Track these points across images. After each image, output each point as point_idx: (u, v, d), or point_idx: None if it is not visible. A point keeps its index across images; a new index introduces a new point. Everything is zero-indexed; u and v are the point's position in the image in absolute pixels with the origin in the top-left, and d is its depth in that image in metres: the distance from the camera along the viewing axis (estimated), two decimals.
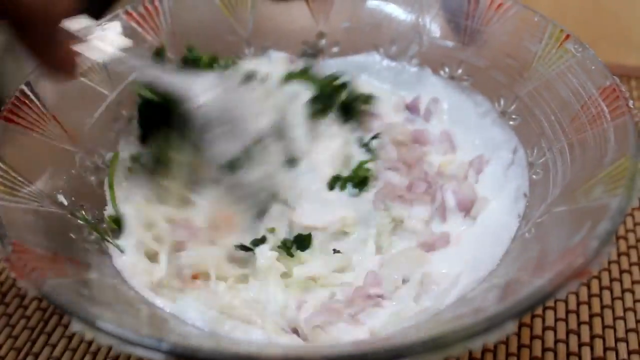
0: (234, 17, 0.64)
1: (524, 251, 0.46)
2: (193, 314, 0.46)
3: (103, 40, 0.51)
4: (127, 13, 0.61)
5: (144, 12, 0.61)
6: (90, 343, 0.54)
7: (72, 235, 0.49)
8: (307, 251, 0.55)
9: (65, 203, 0.50)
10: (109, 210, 0.55)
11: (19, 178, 0.48)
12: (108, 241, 0.51)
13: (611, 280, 0.58)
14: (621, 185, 0.42)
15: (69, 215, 0.50)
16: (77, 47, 0.47)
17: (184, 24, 0.63)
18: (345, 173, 0.59)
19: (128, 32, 0.60)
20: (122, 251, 0.51)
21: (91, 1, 0.50)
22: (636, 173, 0.42)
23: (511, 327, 0.36)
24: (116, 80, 0.59)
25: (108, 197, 0.55)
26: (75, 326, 0.37)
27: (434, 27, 0.62)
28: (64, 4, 0.45)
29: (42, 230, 0.47)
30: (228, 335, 0.44)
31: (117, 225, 0.53)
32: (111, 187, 0.56)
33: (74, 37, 0.47)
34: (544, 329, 0.54)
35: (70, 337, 0.55)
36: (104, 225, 0.53)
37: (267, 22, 0.65)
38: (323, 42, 0.65)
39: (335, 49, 0.65)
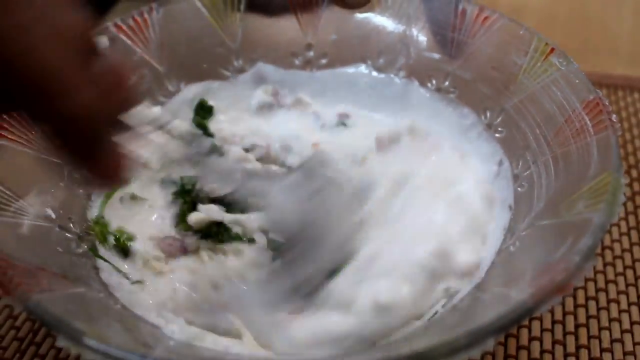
0: (223, 30, 0.65)
1: (508, 264, 0.47)
2: (174, 327, 0.46)
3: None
4: (116, 25, 0.61)
5: (133, 25, 0.62)
6: (79, 355, 0.55)
7: (60, 249, 0.49)
8: None
9: (54, 216, 0.51)
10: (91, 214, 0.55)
11: (8, 192, 0.48)
12: (96, 255, 0.52)
13: (597, 290, 0.58)
14: (603, 200, 0.42)
15: (57, 229, 0.50)
16: (129, 146, 0.39)
17: (173, 36, 0.63)
18: None
19: (118, 44, 0.61)
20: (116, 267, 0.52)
21: None
22: (618, 188, 0.43)
23: (493, 342, 0.37)
24: None
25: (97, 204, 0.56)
26: (61, 341, 0.38)
27: (421, 39, 0.62)
28: (122, 92, 0.37)
29: (30, 244, 0.47)
30: (212, 349, 0.44)
31: (102, 229, 0.54)
32: (108, 195, 0.56)
33: (126, 133, 0.39)
34: (531, 339, 0.54)
35: (59, 348, 0.55)
36: (91, 237, 0.53)
37: (256, 34, 0.65)
38: (311, 53, 0.66)
39: (323, 61, 0.66)
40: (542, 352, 0.53)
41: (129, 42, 0.61)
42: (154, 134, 0.42)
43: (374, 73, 0.65)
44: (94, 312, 0.44)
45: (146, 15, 0.62)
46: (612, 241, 0.62)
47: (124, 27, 0.61)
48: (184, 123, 0.59)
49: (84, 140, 0.36)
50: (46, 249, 0.48)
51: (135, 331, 0.44)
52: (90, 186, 0.44)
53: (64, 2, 0.36)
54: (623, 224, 0.64)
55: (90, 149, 0.36)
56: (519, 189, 0.53)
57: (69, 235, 0.51)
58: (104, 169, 0.38)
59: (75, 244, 0.51)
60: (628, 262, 0.60)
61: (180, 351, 0.43)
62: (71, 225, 0.52)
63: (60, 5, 0.35)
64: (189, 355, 0.43)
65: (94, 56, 0.36)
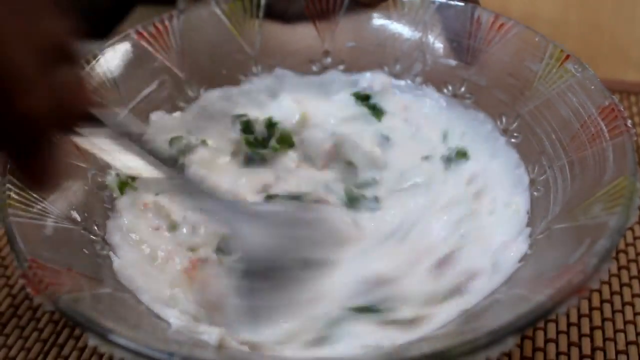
0: (242, 36, 0.66)
1: (525, 267, 0.48)
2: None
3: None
4: (137, 32, 0.62)
5: (154, 32, 0.63)
6: (101, 355, 0.56)
7: (85, 251, 0.50)
8: None
9: (79, 219, 0.52)
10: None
11: (34, 194, 0.49)
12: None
13: (612, 293, 0.59)
14: (619, 203, 0.43)
15: (82, 231, 0.51)
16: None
17: (194, 42, 0.64)
18: None
19: (139, 51, 0.62)
20: None
21: (94, 23, 0.48)
22: (634, 192, 0.43)
23: (512, 342, 0.37)
24: (127, 98, 0.61)
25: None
26: (91, 340, 0.39)
27: (437, 46, 0.63)
28: (80, 103, 0.39)
29: (56, 246, 0.48)
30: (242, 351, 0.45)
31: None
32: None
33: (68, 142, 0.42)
34: (546, 341, 0.55)
35: (82, 349, 0.56)
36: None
37: (274, 41, 0.66)
38: (328, 60, 0.67)
39: (340, 67, 0.67)
40: (558, 354, 0.54)
41: (150, 48, 0.62)
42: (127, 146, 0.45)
43: (391, 79, 0.66)
44: (121, 311, 0.45)
45: (167, 22, 0.63)
46: (627, 245, 0.63)
47: (145, 34, 0.62)
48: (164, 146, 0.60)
49: (27, 140, 0.37)
50: (72, 250, 0.49)
51: (160, 331, 0.45)
52: (25, 184, 0.45)
53: (48, 8, 0.37)
54: (637, 227, 0.64)
55: (31, 150, 0.37)
56: (535, 193, 0.54)
57: (94, 237, 0.52)
58: (38, 172, 0.39)
59: (100, 246, 0.52)
60: None
61: (207, 351, 0.43)
62: (96, 227, 0.53)
63: (43, 9, 0.37)
64: (216, 355, 0.44)
65: (66, 65, 0.38)
